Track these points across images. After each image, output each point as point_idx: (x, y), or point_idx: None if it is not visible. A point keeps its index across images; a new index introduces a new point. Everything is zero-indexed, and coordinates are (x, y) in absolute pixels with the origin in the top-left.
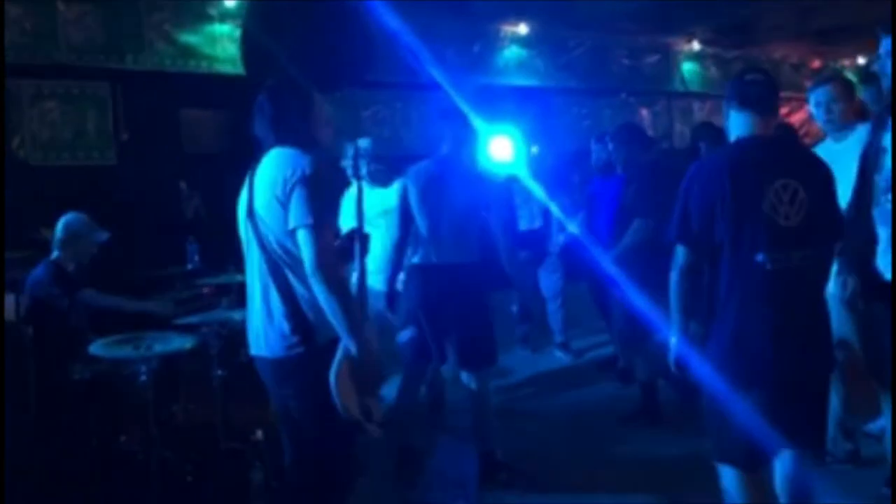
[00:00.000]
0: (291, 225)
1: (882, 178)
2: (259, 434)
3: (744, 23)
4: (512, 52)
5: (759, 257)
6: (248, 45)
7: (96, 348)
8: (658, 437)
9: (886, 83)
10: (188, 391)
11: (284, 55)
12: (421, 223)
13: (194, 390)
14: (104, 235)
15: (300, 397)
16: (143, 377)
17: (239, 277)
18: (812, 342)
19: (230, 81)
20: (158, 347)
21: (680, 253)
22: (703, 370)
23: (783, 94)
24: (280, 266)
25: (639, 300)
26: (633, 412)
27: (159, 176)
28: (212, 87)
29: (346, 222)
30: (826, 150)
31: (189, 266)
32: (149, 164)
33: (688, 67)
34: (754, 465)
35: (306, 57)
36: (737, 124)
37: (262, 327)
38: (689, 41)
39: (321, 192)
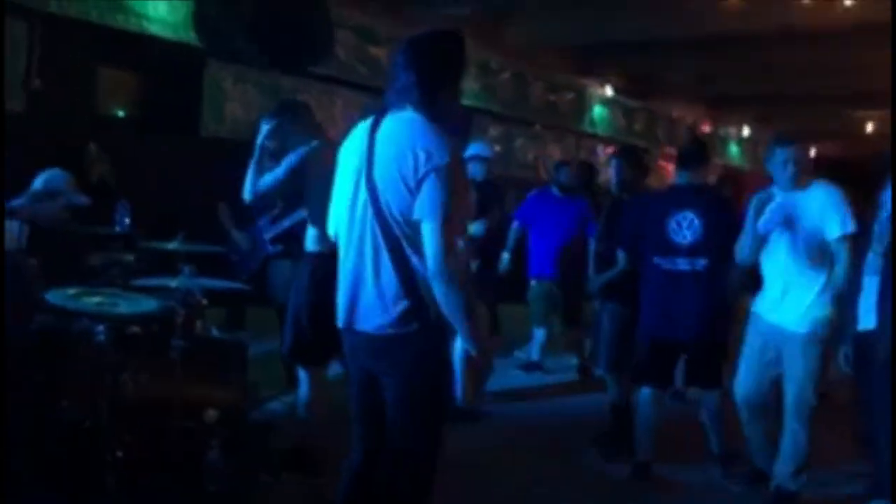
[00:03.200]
0: (418, 215)
1: (876, 230)
2: (212, 414)
3: (650, 77)
4: None
5: (657, 260)
6: (201, 9)
7: (55, 297)
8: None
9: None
10: (140, 360)
11: (239, 26)
12: None
13: (146, 360)
14: (82, 199)
15: (404, 376)
16: (101, 337)
17: (192, 247)
18: (687, 318)
19: (157, 43)
20: (125, 306)
21: (620, 256)
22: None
23: (673, 150)
24: (399, 239)
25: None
26: (600, 432)
27: (68, 133)
28: (137, 47)
29: None
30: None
31: (118, 229)
32: (58, 119)
33: (598, 111)
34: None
35: (262, 31)
36: (675, 175)
37: (370, 301)
38: (603, 85)
39: (454, 183)
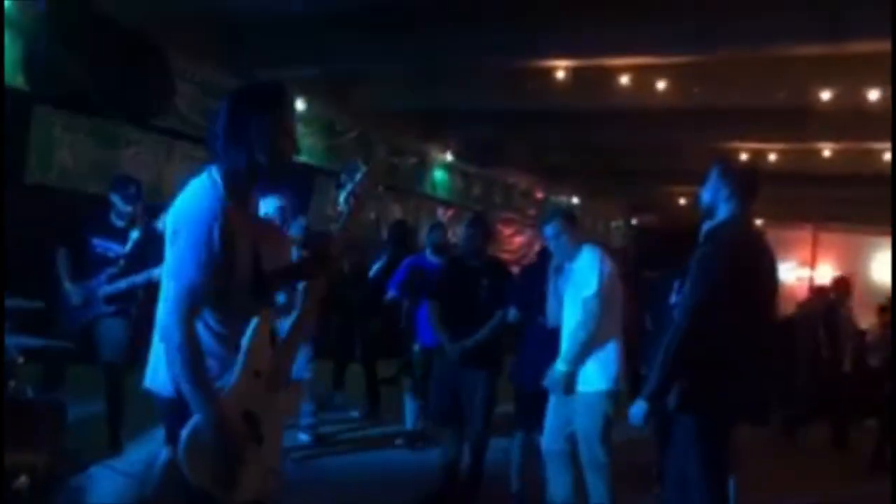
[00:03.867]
0: (165, 270)
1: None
2: (23, 481)
3: (489, 145)
4: None
5: (542, 319)
6: (33, 54)
7: None
8: None
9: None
10: None
11: (77, 73)
12: None
13: None
14: None
15: (169, 442)
16: None
17: (10, 302)
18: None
19: None
20: None
21: (511, 314)
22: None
23: (512, 216)
24: None
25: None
26: (432, 492)
27: None
28: None
29: None
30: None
31: None
32: None
33: (438, 174)
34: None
35: (102, 79)
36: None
37: (157, 360)
38: (444, 151)
39: (203, 243)
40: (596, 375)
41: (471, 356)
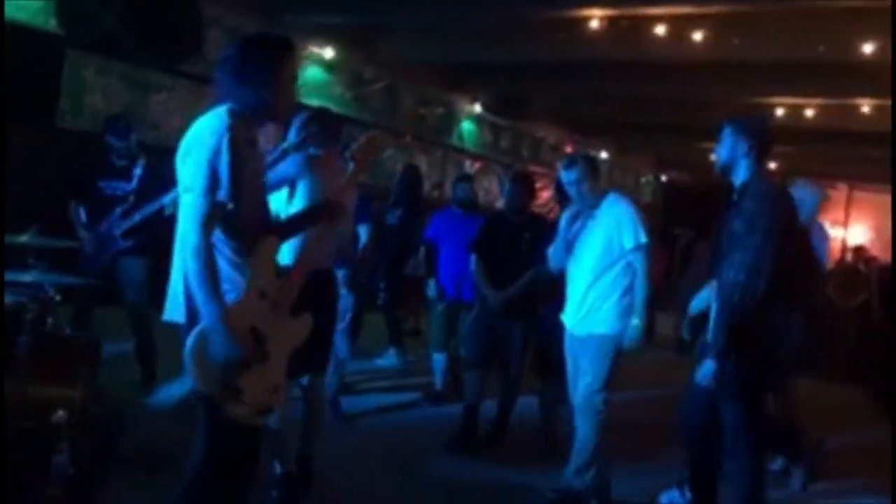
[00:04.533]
0: (180, 188)
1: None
2: (61, 414)
3: (518, 97)
4: (313, 73)
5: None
6: None
7: None
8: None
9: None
10: None
11: (108, 17)
12: None
13: None
14: None
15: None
16: None
17: (45, 241)
18: None
19: (12, 29)
20: None
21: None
22: None
23: (541, 170)
24: None
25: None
26: (454, 435)
27: None
28: None
29: None
30: (587, 218)
31: None
32: None
33: (466, 126)
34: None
35: (133, 23)
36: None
37: (175, 290)
38: (472, 102)
39: (214, 153)
40: (610, 319)
41: (509, 307)
